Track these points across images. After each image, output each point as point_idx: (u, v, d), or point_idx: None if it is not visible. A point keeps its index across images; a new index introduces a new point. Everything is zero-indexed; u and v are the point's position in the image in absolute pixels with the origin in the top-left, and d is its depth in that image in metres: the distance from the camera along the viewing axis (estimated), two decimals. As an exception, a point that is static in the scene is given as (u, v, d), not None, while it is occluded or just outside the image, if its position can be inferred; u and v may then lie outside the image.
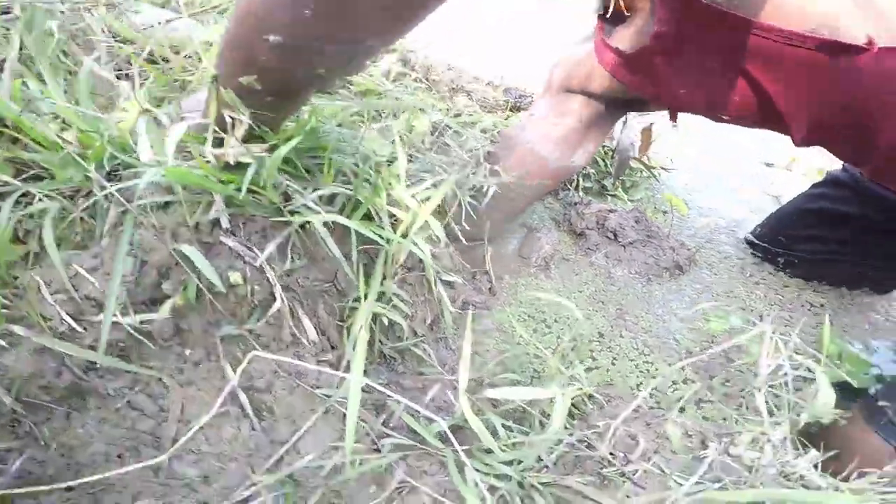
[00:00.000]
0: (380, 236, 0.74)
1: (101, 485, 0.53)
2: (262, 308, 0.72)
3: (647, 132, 1.54)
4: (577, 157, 1.15)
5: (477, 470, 0.59)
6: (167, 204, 0.67)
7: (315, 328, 0.78)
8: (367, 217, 0.77)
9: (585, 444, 0.65)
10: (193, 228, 0.67)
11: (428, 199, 0.77)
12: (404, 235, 0.74)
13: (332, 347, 0.80)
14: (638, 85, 1.00)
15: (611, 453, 0.62)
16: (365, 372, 0.77)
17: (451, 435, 0.60)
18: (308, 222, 0.72)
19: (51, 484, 0.48)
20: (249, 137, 0.71)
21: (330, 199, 0.78)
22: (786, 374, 0.63)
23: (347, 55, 0.54)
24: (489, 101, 1.33)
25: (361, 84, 1.04)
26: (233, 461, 0.60)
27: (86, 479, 0.49)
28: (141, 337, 0.61)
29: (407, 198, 0.71)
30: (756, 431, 0.63)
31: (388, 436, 0.67)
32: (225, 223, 0.69)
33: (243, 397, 0.65)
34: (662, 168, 1.68)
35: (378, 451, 0.66)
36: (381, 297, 0.82)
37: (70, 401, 0.58)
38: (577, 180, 1.50)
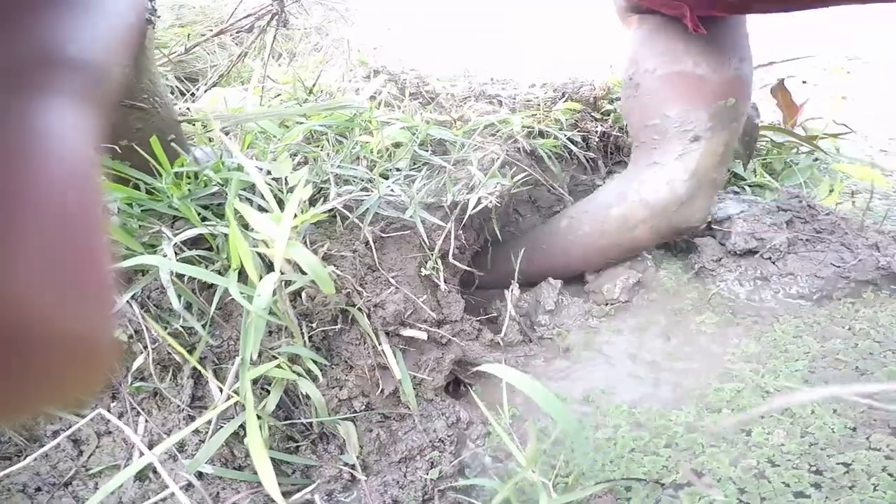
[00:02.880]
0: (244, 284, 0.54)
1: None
2: (174, 367, 0.64)
3: (781, 91, 1.05)
4: (739, 64, 0.77)
5: None
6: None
7: (220, 389, 0.60)
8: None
9: None
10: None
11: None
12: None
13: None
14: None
15: None
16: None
17: None
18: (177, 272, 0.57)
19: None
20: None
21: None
22: None
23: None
24: (530, 102, 1.04)
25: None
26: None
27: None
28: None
29: (267, 228, 0.50)
30: None
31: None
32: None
33: (136, 455, 0.60)
34: (830, 136, 1.12)
35: None
36: (293, 358, 0.60)
37: (37, 440, 0.64)
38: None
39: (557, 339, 0.79)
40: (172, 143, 0.63)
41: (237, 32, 0.83)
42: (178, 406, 0.62)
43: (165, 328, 0.61)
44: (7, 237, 0.09)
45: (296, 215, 0.56)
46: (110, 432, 0.64)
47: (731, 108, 0.77)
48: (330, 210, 0.62)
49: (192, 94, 1.17)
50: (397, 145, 0.81)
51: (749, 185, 1.05)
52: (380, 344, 0.61)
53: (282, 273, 0.51)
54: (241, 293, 0.51)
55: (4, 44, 0.09)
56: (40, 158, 0.09)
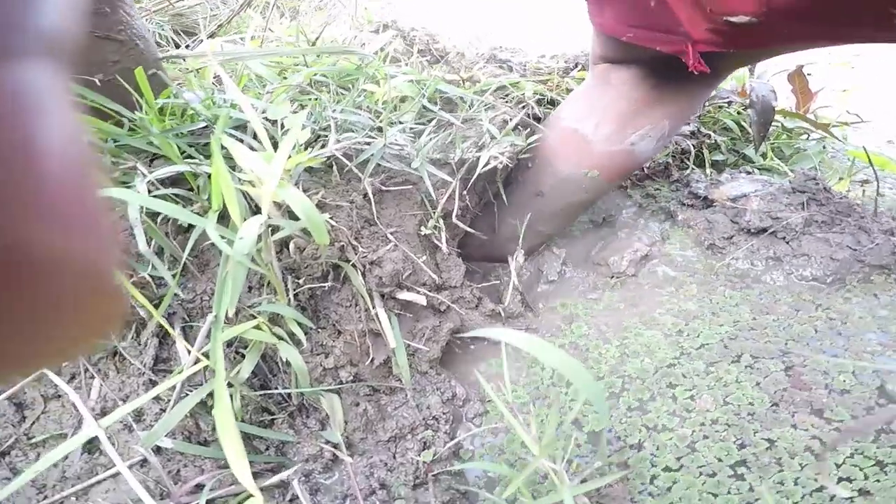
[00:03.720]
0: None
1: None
2: (138, 323, 0.56)
3: (798, 77, 1.01)
4: (638, 140, 0.74)
5: None
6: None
7: (188, 350, 0.54)
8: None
9: None
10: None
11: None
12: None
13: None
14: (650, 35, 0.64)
15: None
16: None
17: None
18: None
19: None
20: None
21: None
22: None
23: None
24: (541, 70, 0.99)
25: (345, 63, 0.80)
26: (32, 488, 0.52)
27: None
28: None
29: (257, 166, 0.43)
30: None
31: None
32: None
33: (87, 421, 0.51)
34: (843, 124, 1.09)
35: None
36: (274, 319, 0.54)
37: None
38: (701, 153, 1.02)
39: (560, 310, 0.74)
40: (156, 74, 0.56)
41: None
42: (139, 369, 0.56)
43: (130, 277, 0.55)
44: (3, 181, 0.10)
45: (290, 157, 0.50)
46: (59, 396, 0.57)
47: (591, 178, 0.75)
48: (327, 158, 0.56)
49: (188, 47, 1.09)
50: (403, 100, 0.74)
51: (759, 168, 1.01)
52: (374, 307, 0.55)
53: (269, 218, 0.45)
54: (221, 237, 0.45)
55: None
56: (29, 111, 0.10)
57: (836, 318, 0.70)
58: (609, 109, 0.74)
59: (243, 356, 0.56)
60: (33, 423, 0.54)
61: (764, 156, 1.02)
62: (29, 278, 0.10)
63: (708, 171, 1.00)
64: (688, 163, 1.01)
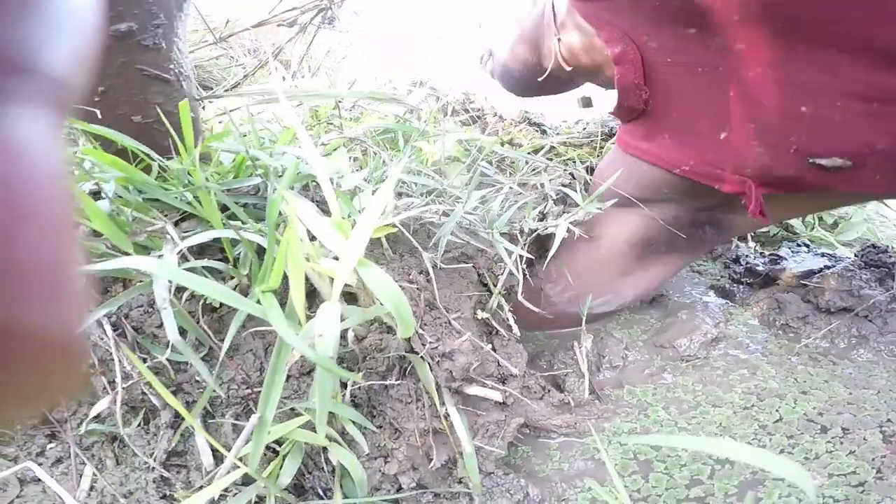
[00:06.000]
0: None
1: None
2: (147, 410, 0.48)
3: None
4: (597, 306, 0.71)
5: None
6: None
7: (212, 448, 0.44)
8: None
9: None
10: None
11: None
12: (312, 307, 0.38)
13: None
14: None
15: None
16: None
17: None
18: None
19: None
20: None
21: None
22: None
23: None
24: (573, 135, 0.95)
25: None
26: None
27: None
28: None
29: (333, 240, 0.36)
30: None
31: None
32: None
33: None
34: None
35: None
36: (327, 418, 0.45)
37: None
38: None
39: (628, 398, 0.66)
40: (196, 119, 0.50)
41: (277, 25, 0.72)
42: (145, 462, 0.46)
43: (144, 360, 0.46)
44: None
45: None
46: (38, 480, 0.46)
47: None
48: (388, 226, 0.49)
49: (201, 100, 1.05)
50: (448, 161, 0.69)
51: (804, 243, 0.96)
52: (443, 404, 0.47)
53: (343, 304, 0.37)
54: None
55: None
56: (9, 163, 0.09)
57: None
58: (580, 279, 0.68)
59: (275, 452, 0.47)
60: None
61: (809, 226, 0.98)
62: None
63: (751, 244, 0.95)
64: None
